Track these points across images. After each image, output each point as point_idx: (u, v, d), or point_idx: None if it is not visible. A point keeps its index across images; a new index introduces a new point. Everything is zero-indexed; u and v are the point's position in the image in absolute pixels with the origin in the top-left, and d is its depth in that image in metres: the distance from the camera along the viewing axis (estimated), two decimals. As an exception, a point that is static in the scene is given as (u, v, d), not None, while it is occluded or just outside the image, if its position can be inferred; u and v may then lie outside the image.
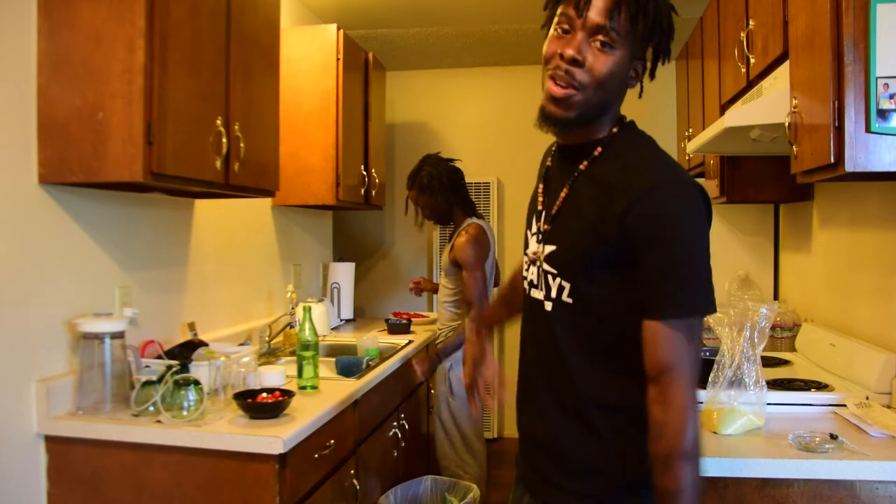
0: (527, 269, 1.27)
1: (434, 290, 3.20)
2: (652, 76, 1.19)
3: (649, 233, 1.04)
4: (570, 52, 1.08)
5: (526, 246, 1.28)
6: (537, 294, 1.22)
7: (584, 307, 1.14)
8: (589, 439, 1.15)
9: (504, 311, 1.56)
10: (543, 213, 1.22)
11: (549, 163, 1.28)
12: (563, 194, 1.18)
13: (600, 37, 1.08)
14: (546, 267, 1.18)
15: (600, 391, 1.14)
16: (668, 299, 1.03)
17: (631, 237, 1.05)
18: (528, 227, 1.28)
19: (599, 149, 1.16)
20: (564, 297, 1.15)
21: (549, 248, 1.18)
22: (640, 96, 1.20)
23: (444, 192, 2.92)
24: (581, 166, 1.17)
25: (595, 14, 1.07)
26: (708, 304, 1.05)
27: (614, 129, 1.17)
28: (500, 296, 1.58)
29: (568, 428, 1.17)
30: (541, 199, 1.25)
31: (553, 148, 1.31)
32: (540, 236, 1.22)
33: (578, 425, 1.16)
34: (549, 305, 1.18)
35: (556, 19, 1.12)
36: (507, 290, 1.56)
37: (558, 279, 1.16)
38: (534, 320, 1.25)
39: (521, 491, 1.31)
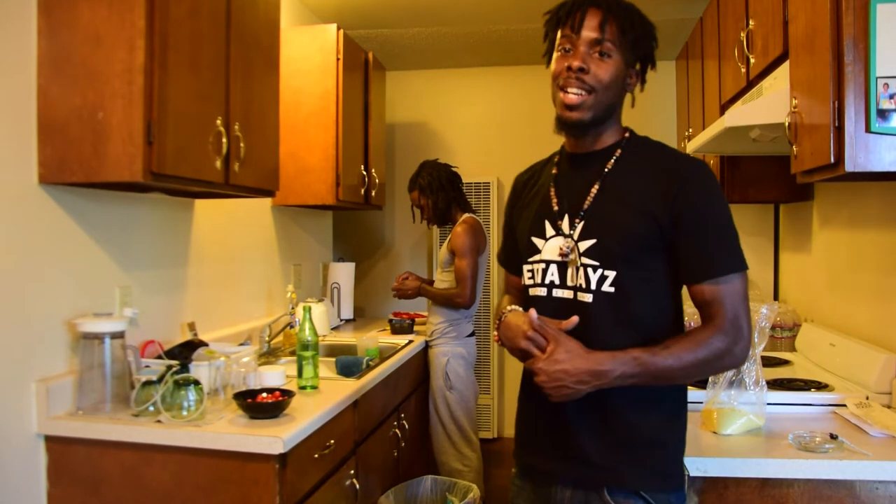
0: (541, 274, 1.32)
1: (416, 291, 3.15)
2: (643, 82, 1.34)
3: (701, 208, 1.21)
4: (576, 63, 1.25)
5: (532, 252, 1.34)
6: (564, 293, 1.29)
7: (626, 293, 1.24)
8: (644, 412, 1.25)
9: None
10: (567, 215, 1.30)
11: (553, 171, 1.39)
12: (594, 190, 1.29)
13: (598, 48, 1.25)
14: (585, 260, 1.26)
15: None
16: (729, 260, 1.21)
17: (680, 213, 1.21)
18: (534, 233, 1.35)
19: (619, 151, 1.31)
20: (606, 287, 1.24)
21: (589, 243, 1.26)
22: (632, 105, 1.34)
23: (443, 190, 3.08)
24: (608, 165, 1.30)
25: (589, 30, 1.25)
26: (745, 262, 1.23)
27: (626, 134, 1.33)
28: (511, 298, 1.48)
29: (622, 411, 1.25)
30: (555, 200, 1.33)
31: (542, 166, 1.45)
32: (566, 234, 1.29)
33: (626, 403, 1.24)
34: (587, 297, 1.26)
35: (557, 43, 1.29)
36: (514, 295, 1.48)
37: (600, 270, 1.25)
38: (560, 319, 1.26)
39: (552, 487, 1.31)
